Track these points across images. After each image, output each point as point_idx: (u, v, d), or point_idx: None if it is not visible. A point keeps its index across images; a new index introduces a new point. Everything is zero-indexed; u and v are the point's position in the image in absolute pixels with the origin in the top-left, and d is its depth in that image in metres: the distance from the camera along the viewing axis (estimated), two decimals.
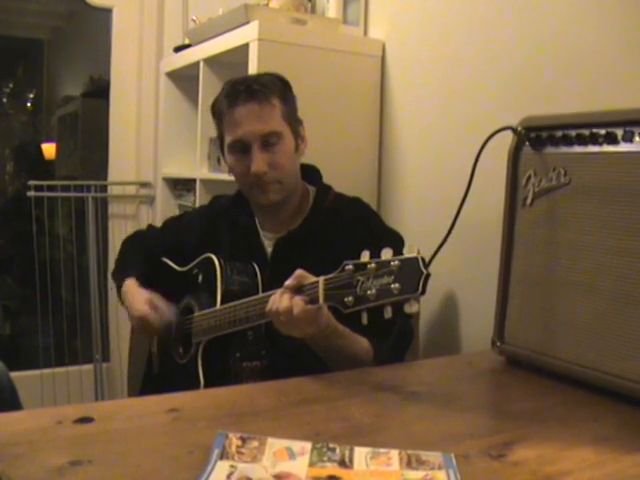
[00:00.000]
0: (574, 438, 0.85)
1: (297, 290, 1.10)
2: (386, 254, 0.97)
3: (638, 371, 0.96)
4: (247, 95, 1.34)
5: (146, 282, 1.49)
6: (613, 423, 0.93)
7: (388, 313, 0.96)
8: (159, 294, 1.44)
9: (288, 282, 1.11)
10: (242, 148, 1.35)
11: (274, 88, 1.36)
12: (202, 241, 1.50)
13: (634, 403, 0.96)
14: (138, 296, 1.42)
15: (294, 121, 1.40)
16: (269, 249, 1.42)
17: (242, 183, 1.41)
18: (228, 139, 1.38)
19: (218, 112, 1.41)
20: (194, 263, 1.48)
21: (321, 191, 1.45)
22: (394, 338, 1.20)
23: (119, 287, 1.52)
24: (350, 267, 1.01)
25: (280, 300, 1.10)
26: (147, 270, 1.54)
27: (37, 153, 3.80)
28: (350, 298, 1.00)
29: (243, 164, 1.36)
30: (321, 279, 1.06)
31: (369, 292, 0.97)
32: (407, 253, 0.95)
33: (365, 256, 1.00)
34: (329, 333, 1.15)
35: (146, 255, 1.59)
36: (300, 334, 1.12)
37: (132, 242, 1.68)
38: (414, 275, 0.92)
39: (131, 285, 1.47)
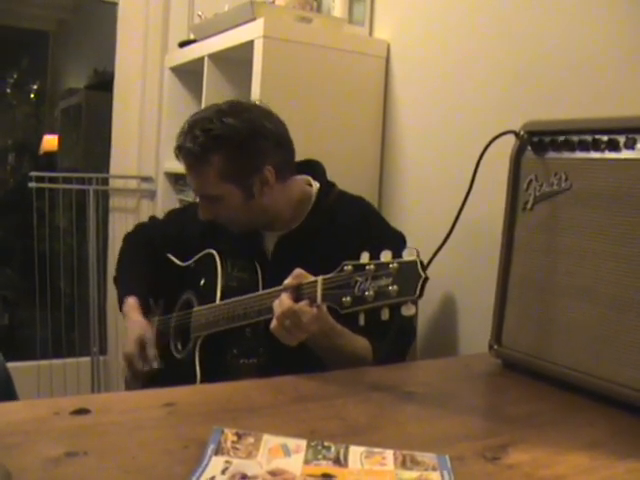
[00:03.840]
0: (569, 443, 0.86)
1: (296, 289, 1.10)
2: (385, 256, 0.97)
3: (634, 378, 0.96)
4: (184, 152, 1.33)
5: (148, 290, 1.54)
6: (608, 429, 0.93)
7: (385, 315, 0.96)
8: (158, 309, 1.49)
9: (287, 281, 1.11)
10: None
11: (217, 144, 1.28)
12: (204, 235, 1.50)
13: (629, 409, 0.97)
14: (134, 328, 1.44)
15: (242, 175, 1.31)
16: (270, 247, 1.42)
17: None
18: None
19: None
20: (195, 258, 1.49)
21: (324, 189, 1.44)
22: (393, 337, 1.20)
23: (120, 299, 1.54)
24: (349, 268, 1.01)
25: (284, 305, 1.09)
26: (149, 279, 1.56)
27: (39, 144, 3.81)
28: (348, 298, 1.00)
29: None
30: (320, 278, 1.06)
31: (367, 293, 0.97)
32: (407, 256, 0.95)
33: (364, 257, 1.00)
34: (327, 331, 1.15)
35: (148, 257, 1.60)
36: (303, 336, 1.12)
37: (135, 241, 1.68)
38: (412, 278, 0.92)
39: (131, 307, 1.49)
